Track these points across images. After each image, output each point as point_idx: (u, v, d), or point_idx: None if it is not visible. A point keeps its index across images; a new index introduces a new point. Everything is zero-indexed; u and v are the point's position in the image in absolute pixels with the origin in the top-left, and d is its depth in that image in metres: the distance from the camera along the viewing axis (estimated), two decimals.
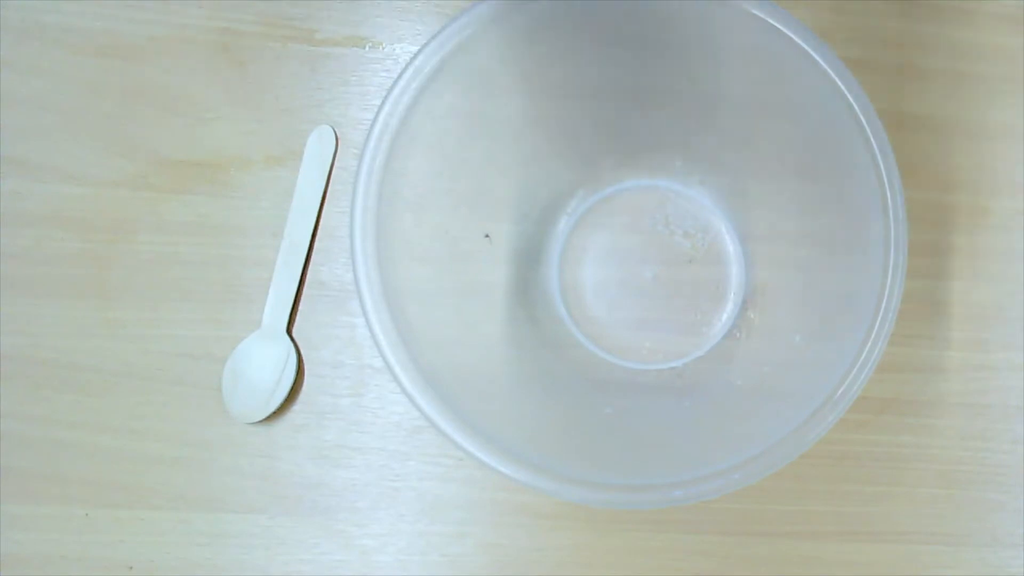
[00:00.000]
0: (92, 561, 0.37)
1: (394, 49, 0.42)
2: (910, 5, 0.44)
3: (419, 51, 0.31)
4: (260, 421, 0.38)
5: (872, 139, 0.31)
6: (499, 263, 0.38)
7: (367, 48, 0.42)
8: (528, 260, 0.39)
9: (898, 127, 0.43)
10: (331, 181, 0.41)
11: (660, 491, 0.29)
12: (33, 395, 0.38)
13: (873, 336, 0.30)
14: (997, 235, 0.43)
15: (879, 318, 0.30)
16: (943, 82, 0.43)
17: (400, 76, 0.31)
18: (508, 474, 0.29)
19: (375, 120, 0.31)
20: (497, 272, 0.38)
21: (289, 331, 0.39)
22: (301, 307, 0.40)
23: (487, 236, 0.38)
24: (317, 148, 0.41)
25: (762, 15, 0.31)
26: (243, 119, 0.41)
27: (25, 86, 0.40)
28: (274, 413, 0.39)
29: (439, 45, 0.31)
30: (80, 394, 0.38)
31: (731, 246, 0.41)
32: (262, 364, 0.39)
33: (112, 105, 0.40)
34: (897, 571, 0.40)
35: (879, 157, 0.31)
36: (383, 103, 0.31)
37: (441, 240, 0.35)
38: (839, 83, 0.31)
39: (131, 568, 0.38)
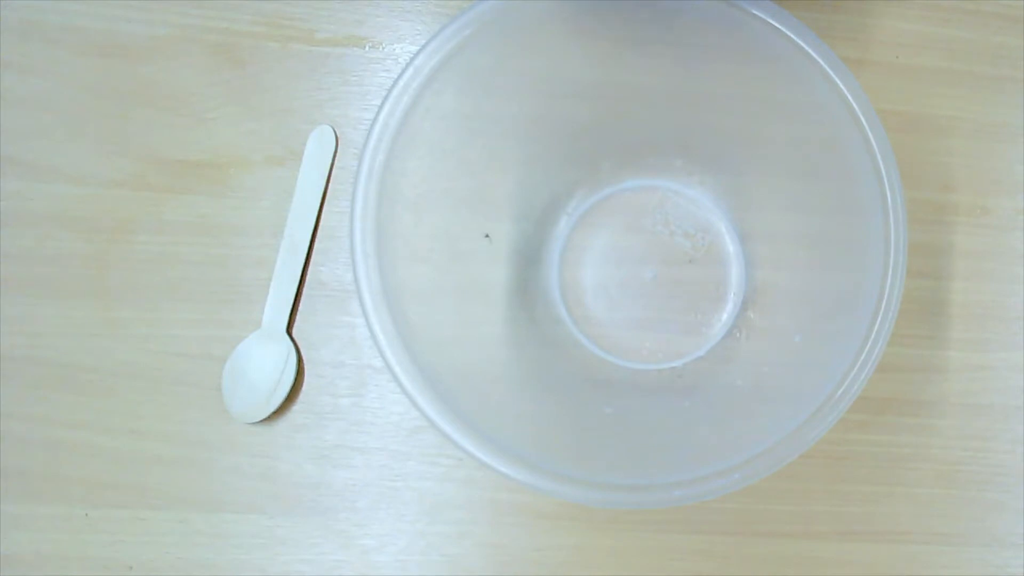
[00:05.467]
0: (92, 561, 0.37)
1: (394, 49, 0.42)
2: (910, 5, 0.44)
3: (419, 51, 0.31)
4: (260, 421, 0.38)
5: (872, 139, 0.31)
6: (499, 263, 0.38)
7: (367, 48, 0.42)
8: (528, 260, 0.39)
9: (898, 127, 0.43)
10: (331, 181, 0.41)
11: (660, 491, 0.29)
12: (33, 395, 0.38)
13: (873, 336, 0.30)
14: (997, 235, 0.43)
15: (879, 318, 0.30)
16: (943, 82, 0.43)
17: (400, 76, 0.31)
18: (507, 474, 0.29)
19: (375, 120, 0.31)
20: (497, 272, 0.38)
21: (289, 331, 0.39)
22: (301, 307, 0.40)
23: (487, 236, 0.38)
24: (317, 148, 0.41)
25: (762, 15, 0.31)
26: (243, 119, 0.41)
27: (25, 86, 0.40)
28: (274, 413, 0.39)
29: (439, 45, 0.31)
30: (80, 394, 0.38)
31: (731, 246, 0.41)
32: (262, 364, 0.39)
33: (112, 105, 0.40)
34: (897, 571, 0.40)
35: (879, 157, 0.31)
36: (383, 103, 0.31)
37: (441, 240, 0.35)
38: (839, 83, 0.31)
39: (131, 568, 0.38)
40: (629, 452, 0.34)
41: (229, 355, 0.39)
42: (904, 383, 0.41)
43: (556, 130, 0.38)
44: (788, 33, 0.31)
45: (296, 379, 0.39)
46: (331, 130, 0.41)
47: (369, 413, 0.39)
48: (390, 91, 0.31)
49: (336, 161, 0.41)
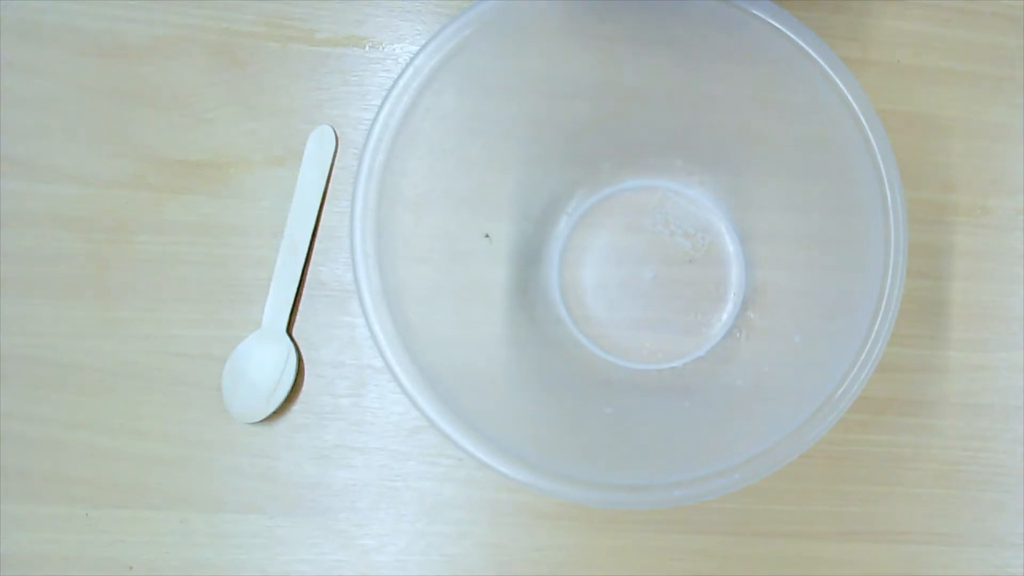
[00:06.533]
0: (92, 561, 0.37)
1: (394, 49, 0.42)
2: (909, 5, 0.44)
3: (419, 51, 0.31)
4: (260, 421, 0.38)
5: (872, 139, 0.31)
6: (499, 263, 0.38)
7: (367, 48, 0.42)
8: (528, 260, 0.39)
9: (898, 127, 0.43)
10: (331, 181, 0.41)
11: (660, 491, 0.29)
12: (33, 395, 0.38)
13: (873, 336, 0.30)
14: (997, 235, 0.43)
15: (879, 318, 0.30)
16: (943, 82, 0.43)
17: (400, 76, 0.31)
18: (507, 474, 0.29)
19: (375, 120, 0.31)
20: (497, 272, 0.38)
21: (289, 331, 0.39)
22: (301, 307, 0.40)
23: (487, 236, 0.38)
24: (317, 148, 0.41)
25: (762, 15, 0.31)
26: (243, 119, 0.41)
27: (25, 86, 0.40)
28: (274, 413, 0.39)
29: (439, 45, 0.31)
30: (80, 394, 0.38)
31: (731, 246, 0.41)
32: (262, 364, 0.39)
33: (112, 105, 0.40)
34: (897, 571, 0.40)
35: (879, 157, 0.31)
36: (383, 103, 0.31)
37: (441, 240, 0.35)
38: (839, 83, 0.31)
39: (131, 568, 0.38)
40: (629, 452, 0.34)
41: (229, 355, 0.39)
42: (904, 383, 0.41)
43: (556, 130, 0.38)
44: (788, 33, 0.31)
45: (296, 379, 0.39)
46: (331, 130, 0.41)
47: (369, 413, 0.39)
48: (390, 91, 0.31)
49: (336, 161, 0.41)
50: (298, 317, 0.40)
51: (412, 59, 0.31)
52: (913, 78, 0.43)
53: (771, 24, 0.31)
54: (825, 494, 0.40)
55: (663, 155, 0.40)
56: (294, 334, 0.39)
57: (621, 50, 0.35)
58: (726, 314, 0.40)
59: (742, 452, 0.30)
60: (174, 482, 0.38)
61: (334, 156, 0.41)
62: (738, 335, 0.39)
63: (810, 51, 0.31)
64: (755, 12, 0.31)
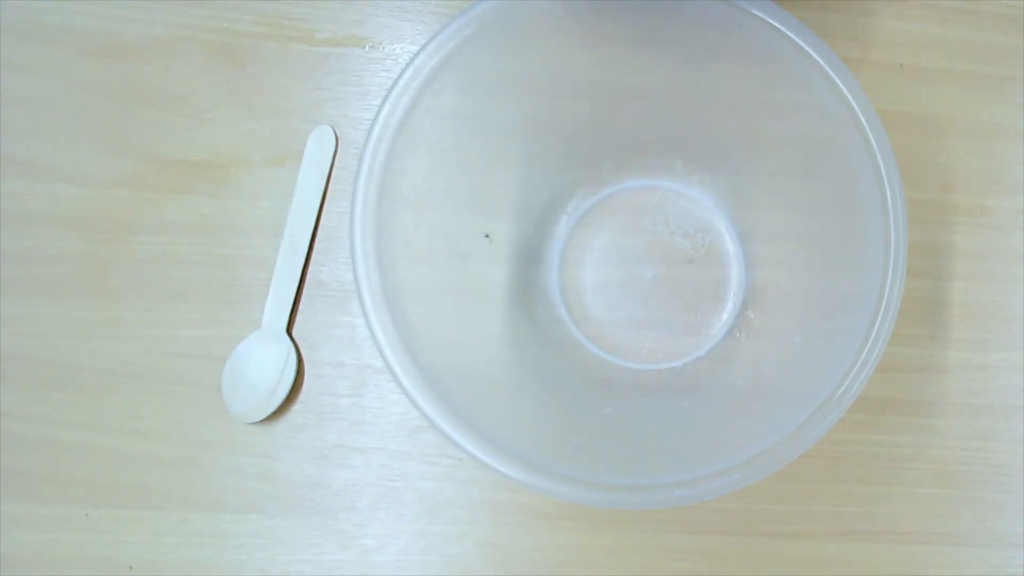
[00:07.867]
0: (92, 561, 0.37)
1: (394, 49, 0.42)
2: (909, 5, 0.44)
3: (419, 51, 0.31)
4: (260, 421, 0.38)
5: (872, 139, 0.31)
6: (499, 263, 0.38)
7: (367, 48, 0.42)
8: (528, 260, 0.39)
9: (898, 127, 0.43)
10: (331, 181, 0.41)
11: (660, 491, 0.29)
12: (33, 395, 0.38)
13: (873, 336, 0.30)
14: (997, 235, 0.43)
15: (879, 318, 0.30)
16: (943, 82, 0.43)
17: (400, 76, 0.31)
18: (507, 474, 0.29)
19: (375, 120, 0.31)
20: (497, 272, 0.38)
21: (289, 331, 0.39)
22: (301, 307, 0.40)
23: (487, 236, 0.38)
24: (317, 148, 0.41)
25: (762, 15, 0.31)
26: (243, 119, 0.41)
27: (25, 86, 0.40)
28: (274, 413, 0.39)
29: (439, 45, 0.31)
30: (80, 394, 0.38)
31: (731, 246, 0.41)
32: (262, 364, 0.39)
33: (112, 105, 0.40)
34: (897, 571, 0.40)
35: (879, 157, 0.31)
36: (383, 103, 0.31)
37: (441, 240, 0.35)
38: (839, 83, 0.31)
39: (131, 568, 0.38)
40: (629, 452, 0.34)
41: (229, 355, 0.39)
42: (904, 383, 0.41)
43: (556, 130, 0.38)
44: (788, 33, 0.31)
45: (296, 379, 0.39)
46: (331, 130, 0.41)
47: (369, 413, 0.39)
48: (390, 91, 0.31)
49: (336, 161, 0.41)
50: (298, 317, 0.40)
51: (412, 59, 0.31)
52: (913, 78, 0.43)
53: (771, 24, 0.31)
54: (825, 494, 0.40)
55: (663, 155, 0.40)
56: (294, 334, 0.39)
57: (621, 50, 0.35)
58: (726, 314, 0.40)
59: (742, 452, 0.30)
60: (174, 482, 0.38)
61: (334, 156, 0.41)
62: (738, 335, 0.39)
63: (810, 51, 0.31)
64: (755, 12, 0.31)
